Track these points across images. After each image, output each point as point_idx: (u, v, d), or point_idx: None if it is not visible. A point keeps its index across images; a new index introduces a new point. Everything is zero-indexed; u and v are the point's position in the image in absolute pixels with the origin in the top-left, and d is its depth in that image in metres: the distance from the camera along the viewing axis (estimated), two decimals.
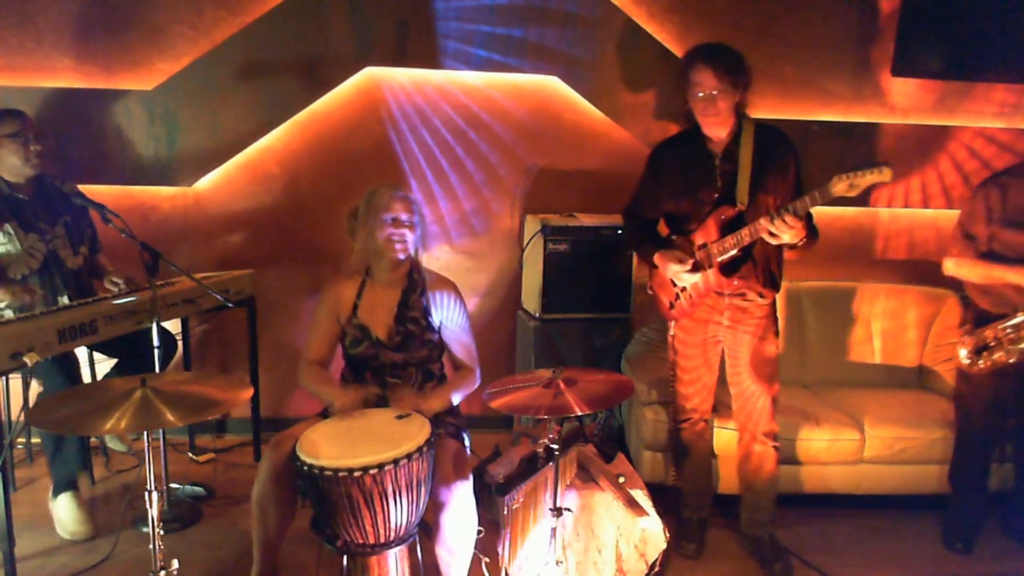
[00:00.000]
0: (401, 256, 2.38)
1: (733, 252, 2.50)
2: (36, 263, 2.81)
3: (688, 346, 2.73)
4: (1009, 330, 2.72)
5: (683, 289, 2.66)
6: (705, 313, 2.67)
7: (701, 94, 2.43)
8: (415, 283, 2.45)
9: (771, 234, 2.36)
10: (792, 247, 2.46)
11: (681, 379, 2.78)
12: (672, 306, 2.73)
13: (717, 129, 2.50)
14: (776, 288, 2.62)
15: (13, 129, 2.74)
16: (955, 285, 3.55)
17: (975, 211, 2.82)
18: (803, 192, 2.38)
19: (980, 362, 2.78)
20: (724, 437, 2.92)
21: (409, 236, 2.37)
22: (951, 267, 2.89)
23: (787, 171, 2.50)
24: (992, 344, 2.76)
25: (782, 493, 2.82)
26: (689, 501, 2.90)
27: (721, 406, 2.90)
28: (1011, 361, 2.72)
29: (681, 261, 2.56)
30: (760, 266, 2.56)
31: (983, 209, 2.80)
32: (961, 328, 2.92)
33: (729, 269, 2.55)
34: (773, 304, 2.65)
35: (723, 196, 2.52)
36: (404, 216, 2.36)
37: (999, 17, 3.62)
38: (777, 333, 2.67)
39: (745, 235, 2.44)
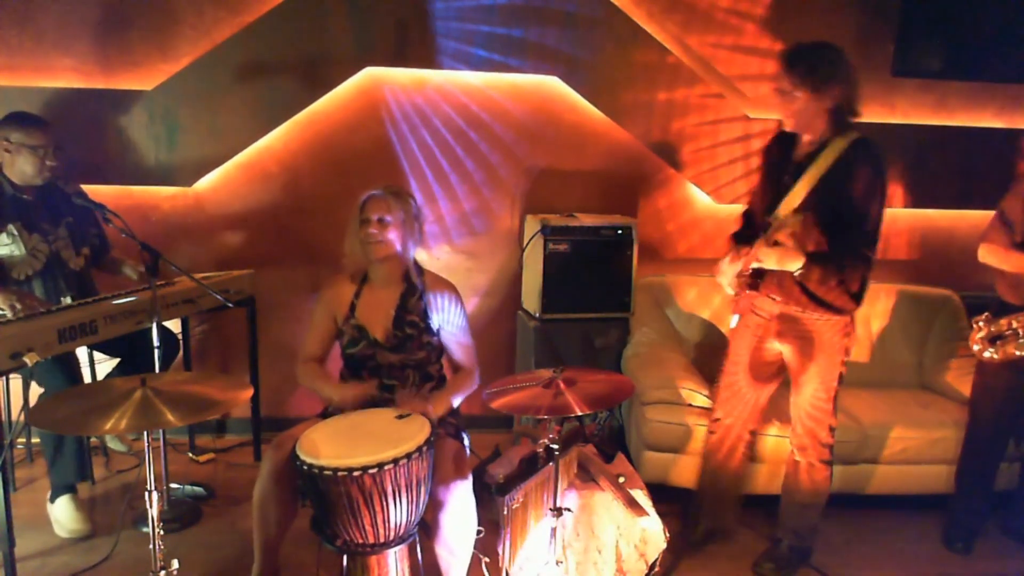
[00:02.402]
0: (379, 255, 2.38)
1: (755, 264, 2.41)
2: (39, 264, 2.81)
3: (735, 351, 2.67)
4: None
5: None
6: (756, 320, 2.58)
7: (779, 90, 2.34)
8: (413, 286, 2.45)
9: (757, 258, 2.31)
10: (799, 271, 2.30)
11: (720, 379, 2.75)
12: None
13: (799, 131, 2.39)
14: (829, 308, 2.42)
15: (36, 143, 2.75)
16: (956, 285, 3.57)
17: (1014, 200, 2.77)
18: (855, 228, 2.30)
19: (992, 351, 2.77)
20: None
21: (387, 235, 2.35)
22: (983, 253, 2.83)
23: (845, 204, 2.29)
24: (1007, 334, 2.74)
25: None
26: (700, 504, 2.88)
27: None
28: (1022, 354, 2.70)
29: (730, 259, 2.50)
30: (796, 283, 2.41)
31: (1020, 200, 2.76)
32: (981, 316, 2.84)
33: (753, 279, 2.48)
34: (835, 326, 2.45)
35: (773, 204, 2.42)
36: (376, 216, 2.35)
37: (999, 17, 3.63)
38: (833, 357, 2.48)
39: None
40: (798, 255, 2.27)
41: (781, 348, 2.58)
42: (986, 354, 2.78)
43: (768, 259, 2.31)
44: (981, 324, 2.80)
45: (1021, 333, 2.70)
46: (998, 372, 2.79)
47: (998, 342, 2.75)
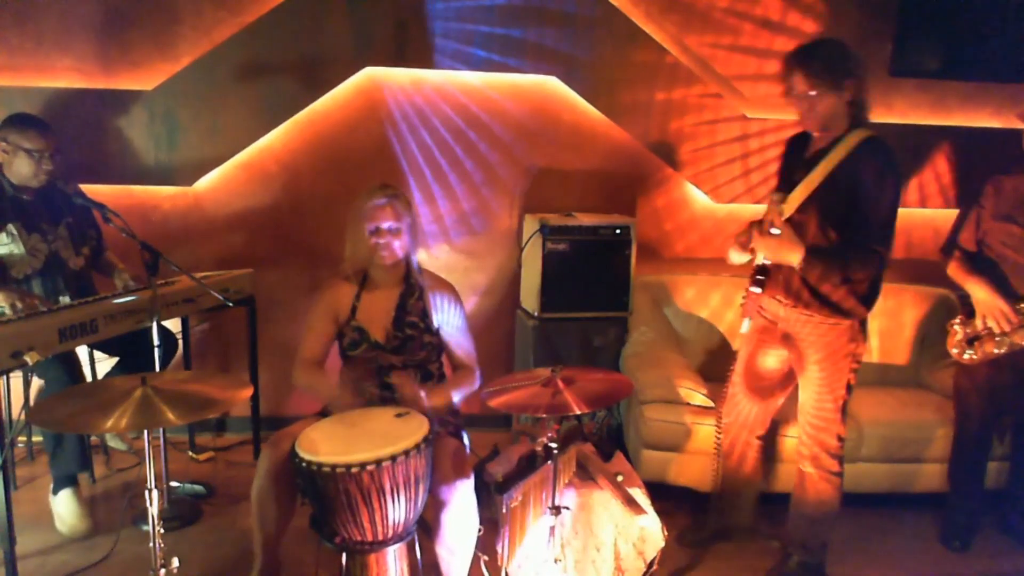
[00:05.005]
0: (389, 262, 2.39)
1: (762, 260, 2.37)
2: (39, 263, 2.82)
3: (740, 358, 2.64)
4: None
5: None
6: (762, 324, 2.54)
7: (793, 94, 2.30)
8: (413, 287, 2.46)
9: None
10: (799, 264, 2.23)
11: (726, 383, 2.68)
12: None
13: (820, 130, 2.34)
14: (836, 311, 2.36)
15: (34, 146, 2.76)
16: (953, 285, 3.57)
17: (968, 217, 2.89)
18: (863, 224, 2.25)
19: (971, 352, 2.80)
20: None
21: (396, 242, 2.36)
22: (950, 271, 2.94)
23: (854, 199, 2.24)
24: (983, 334, 2.77)
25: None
26: (713, 503, 2.88)
27: None
28: (1001, 352, 2.73)
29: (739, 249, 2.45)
30: (802, 282, 2.36)
31: (975, 216, 2.87)
32: (955, 318, 2.91)
33: (759, 278, 2.40)
34: (841, 331, 2.38)
35: (782, 200, 2.35)
36: (386, 224, 2.34)
37: (998, 17, 3.63)
38: (839, 363, 2.40)
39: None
40: (794, 246, 2.20)
41: (787, 353, 2.54)
42: (965, 356, 2.82)
43: (763, 248, 2.27)
44: (956, 327, 2.84)
45: (996, 331, 2.72)
46: (979, 370, 2.82)
47: (975, 343, 2.79)
